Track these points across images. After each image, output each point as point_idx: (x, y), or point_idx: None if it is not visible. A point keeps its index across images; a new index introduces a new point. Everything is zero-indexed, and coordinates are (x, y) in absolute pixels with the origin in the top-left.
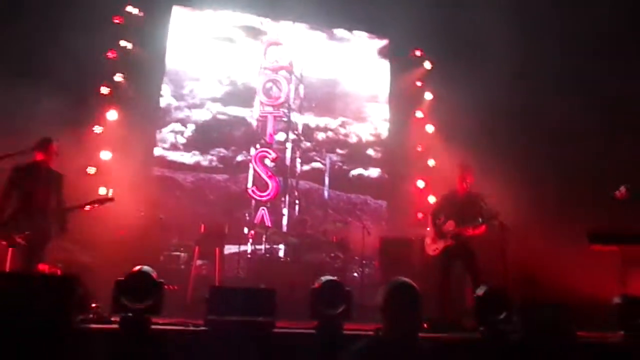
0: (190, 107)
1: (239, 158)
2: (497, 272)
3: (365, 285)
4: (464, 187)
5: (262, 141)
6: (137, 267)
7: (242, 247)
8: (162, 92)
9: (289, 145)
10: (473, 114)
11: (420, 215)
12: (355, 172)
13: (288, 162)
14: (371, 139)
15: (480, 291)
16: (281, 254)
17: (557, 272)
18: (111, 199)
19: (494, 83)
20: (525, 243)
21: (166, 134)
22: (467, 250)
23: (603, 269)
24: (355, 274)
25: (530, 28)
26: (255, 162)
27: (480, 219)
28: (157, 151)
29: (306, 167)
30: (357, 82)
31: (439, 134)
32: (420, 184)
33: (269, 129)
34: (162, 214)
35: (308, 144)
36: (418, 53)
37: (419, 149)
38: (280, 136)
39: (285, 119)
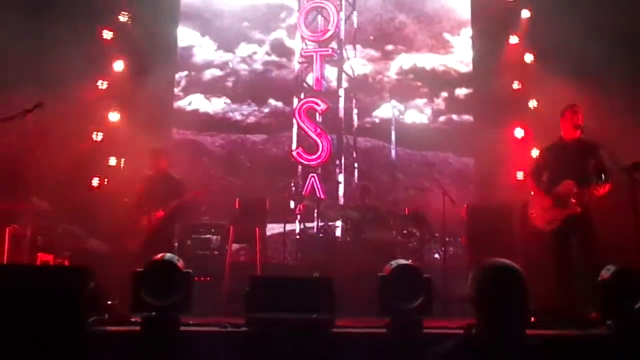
0: (213, 49)
1: (279, 110)
2: (628, 246)
3: (449, 270)
4: (574, 134)
5: (308, 88)
6: (159, 255)
7: (289, 226)
8: (178, 32)
9: (342, 92)
10: (587, 38)
11: (520, 175)
12: (430, 122)
13: (342, 113)
14: (451, 76)
15: (606, 273)
16: (338, 232)
17: None
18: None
19: None
20: None
21: (185, 84)
22: (585, 221)
23: None
24: (436, 255)
25: None
26: (300, 116)
27: (602, 175)
28: (177, 107)
29: (366, 120)
30: (428, 1)
31: (542, 64)
32: (519, 132)
33: (316, 71)
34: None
35: (367, 90)
36: None
37: (516, 86)
38: (331, 80)
39: (335, 58)
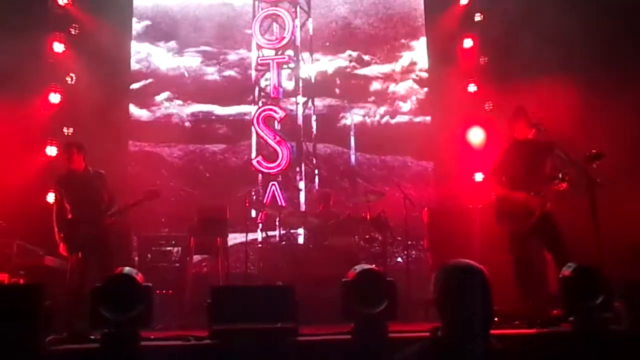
0: (167, 59)
1: (237, 119)
2: (587, 244)
3: (412, 273)
4: (528, 135)
5: (265, 96)
6: (118, 270)
7: (251, 235)
8: (132, 43)
9: (300, 99)
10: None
11: (478, 176)
12: (388, 127)
13: (300, 120)
14: (407, 82)
15: (567, 270)
16: (301, 240)
17: None
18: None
19: None
20: (623, 203)
21: (140, 95)
22: (548, 220)
23: None
24: (399, 259)
25: None
26: (258, 124)
27: (560, 174)
28: (132, 119)
29: (325, 126)
30: (381, 7)
31: (496, 66)
32: (476, 135)
33: (273, 79)
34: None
35: (324, 96)
36: None
37: (472, 88)
38: (288, 88)
39: (292, 65)
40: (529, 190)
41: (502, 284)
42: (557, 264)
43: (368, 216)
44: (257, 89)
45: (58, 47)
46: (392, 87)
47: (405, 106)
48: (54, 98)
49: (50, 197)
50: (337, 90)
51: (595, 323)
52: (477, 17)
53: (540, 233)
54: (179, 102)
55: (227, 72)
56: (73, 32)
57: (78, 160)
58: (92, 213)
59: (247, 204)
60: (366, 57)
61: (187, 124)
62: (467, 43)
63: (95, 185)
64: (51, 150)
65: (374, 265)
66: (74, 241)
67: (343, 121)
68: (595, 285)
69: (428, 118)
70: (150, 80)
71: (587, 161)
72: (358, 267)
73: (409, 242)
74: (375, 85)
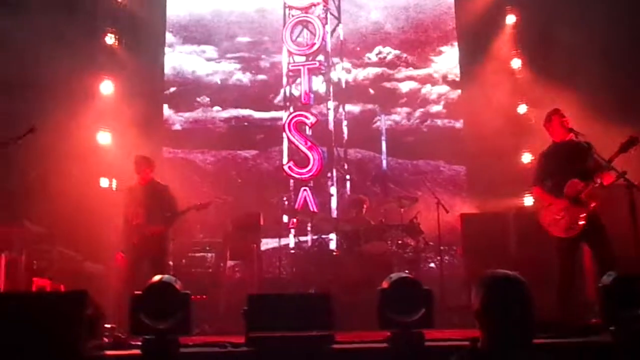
0: (201, 62)
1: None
2: (626, 251)
3: (446, 279)
4: (566, 137)
5: (296, 102)
6: (157, 277)
7: (283, 241)
8: (166, 50)
9: (331, 104)
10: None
11: (511, 180)
12: (420, 131)
13: (332, 126)
14: (438, 85)
15: (607, 279)
16: (333, 245)
17: None
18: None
19: None
20: None
21: (174, 102)
22: (597, 220)
23: None
24: (432, 265)
25: None
26: (289, 129)
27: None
28: (166, 125)
29: (355, 131)
30: (412, 11)
31: (530, 68)
32: (510, 139)
33: (304, 85)
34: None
35: (355, 101)
36: None
37: (505, 92)
38: (319, 92)
39: (323, 71)
40: (575, 193)
41: (537, 292)
42: (599, 268)
43: (401, 221)
44: (288, 94)
45: (101, 54)
46: (424, 91)
47: (437, 110)
48: (95, 105)
49: (90, 204)
50: (368, 95)
51: (637, 334)
52: (510, 19)
53: (586, 235)
54: (212, 108)
55: (259, 78)
56: (109, 41)
57: (148, 173)
58: (154, 220)
59: (279, 210)
60: (397, 62)
61: (219, 130)
62: (500, 45)
63: (160, 196)
64: (88, 157)
65: (407, 272)
66: (133, 245)
67: (374, 126)
68: (636, 294)
69: (460, 122)
70: (183, 87)
71: (623, 148)
72: (394, 275)
73: (442, 248)
74: (407, 90)
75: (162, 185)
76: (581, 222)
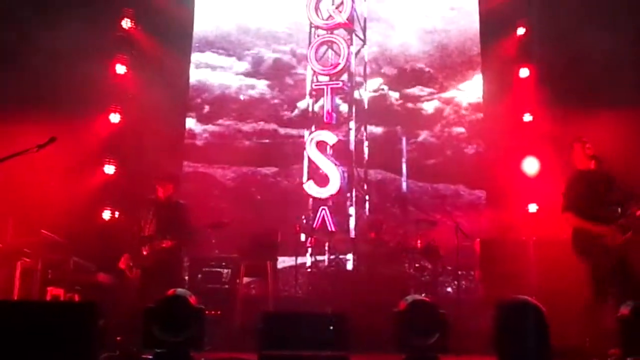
0: (224, 82)
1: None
2: None
3: (463, 304)
4: (589, 166)
5: (318, 121)
6: (171, 291)
7: (300, 259)
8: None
9: (352, 124)
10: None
11: (533, 207)
12: (441, 154)
13: (352, 146)
14: (461, 110)
15: (625, 309)
16: (349, 266)
17: None
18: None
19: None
20: None
21: (196, 116)
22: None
23: None
24: (449, 289)
25: None
26: (311, 148)
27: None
28: (188, 139)
29: (376, 152)
30: (437, 35)
31: (553, 96)
32: (531, 165)
33: (326, 104)
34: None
35: (377, 122)
36: None
37: (528, 117)
38: (342, 112)
39: (346, 91)
40: (606, 221)
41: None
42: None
43: (419, 244)
44: (311, 113)
45: (120, 68)
46: (446, 114)
47: (459, 132)
48: (114, 118)
49: (106, 214)
50: (391, 117)
51: None
52: (535, 47)
53: (619, 261)
54: (234, 124)
55: (283, 96)
56: (134, 55)
57: (170, 189)
58: (165, 235)
59: (297, 228)
60: (420, 85)
61: (241, 145)
62: (524, 72)
63: (175, 213)
64: (109, 169)
65: (424, 295)
66: (143, 257)
67: (395, 147)
68: None
69: (481, 146)
70: (207, 102)
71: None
72: (409, 298)
73: (460, 272)
74: (429, 112)
75: (180, 203)
76: (612, 251)
